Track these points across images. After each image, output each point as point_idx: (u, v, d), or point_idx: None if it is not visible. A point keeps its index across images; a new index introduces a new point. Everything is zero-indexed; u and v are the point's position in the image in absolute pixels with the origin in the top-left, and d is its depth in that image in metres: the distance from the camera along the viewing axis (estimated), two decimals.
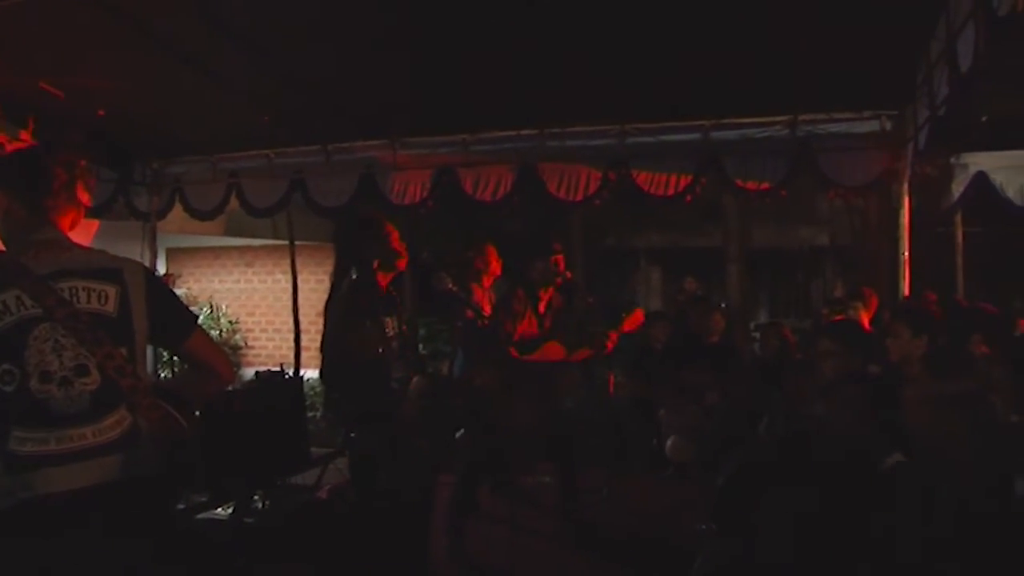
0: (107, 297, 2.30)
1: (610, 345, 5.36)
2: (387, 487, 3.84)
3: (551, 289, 5.34)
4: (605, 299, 9.77)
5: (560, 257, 5.32)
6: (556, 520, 5.43)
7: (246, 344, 12.60)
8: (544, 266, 5.27)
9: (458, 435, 5.29)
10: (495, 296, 5.53)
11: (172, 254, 12.47)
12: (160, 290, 2.51)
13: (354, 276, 3.94)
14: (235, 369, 2.84)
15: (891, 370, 3.87)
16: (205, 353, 2.57)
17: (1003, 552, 2.38)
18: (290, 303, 9.18)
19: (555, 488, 5.47)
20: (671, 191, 6.35)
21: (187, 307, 2.59)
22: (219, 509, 5.29)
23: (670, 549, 4.51)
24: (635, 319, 5.50)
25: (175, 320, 2.50)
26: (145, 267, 2.53)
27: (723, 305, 8.71)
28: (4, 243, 2.39)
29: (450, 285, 4.33)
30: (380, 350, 3.86)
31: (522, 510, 5.33)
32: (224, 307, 12.59)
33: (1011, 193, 6.06)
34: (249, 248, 12.62)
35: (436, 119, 6.26)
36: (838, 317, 6.24)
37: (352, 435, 3.99)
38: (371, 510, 3.93)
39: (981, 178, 6.14)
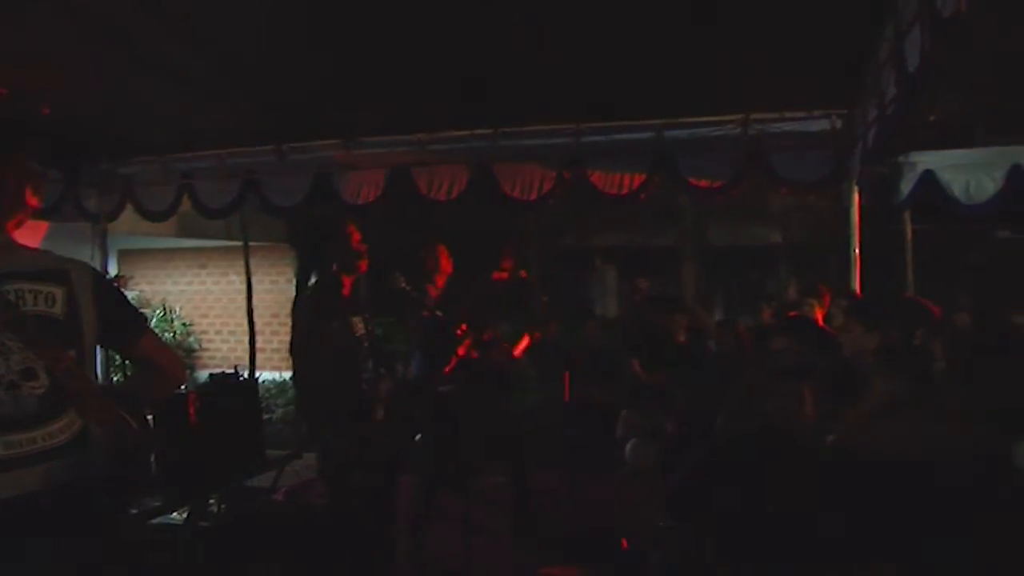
0: (54, 299, 2.26)
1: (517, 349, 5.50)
2: (358, 487, 3.85)
3: (501, 286, 5.50)
4: (561, 298, 9.82)
5: (508, 259, 5.43)
6: (511, 520, 5.45)
7: (200, 346, 12.45)
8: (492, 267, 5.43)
9: (417, 437, 5.28)
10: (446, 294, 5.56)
11: (124, 256, 12.28)
12: (109, 291, 2.48)
13: (315, 279, 3.96)
14: (187, 371, 2.81)
15: (845, 364, 3.94)
16: (156, 354, 2.54)
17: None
18: (244, 304, 9.10)
19: (510, 488, 5.50)
20: (625, 190, 6.38)
21: (137, 308, 2.56)
22: (174, 513, 5.25)
23: (627, 547, 4.52)
24: (521, 346, 5.58)
25: (125, 321, 2.47)
26: (93, 268, 2.50)
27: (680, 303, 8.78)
28: None
29: (403, 284, 4.37)
30: (349, 350, 3.89)
31: (477, 510, 5.34)
32: (178, 309, 12.43)
33: (957, 192, 6.16)
34: (202, 249, 12.46)
35: (391, 119, 6.22)
36: (792, 313, 6.33)
37: (324, 436, 4.01)
38: (335, 511, 3.95)
39: (929, 176, 6.24)
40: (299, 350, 3.93)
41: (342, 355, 3.90)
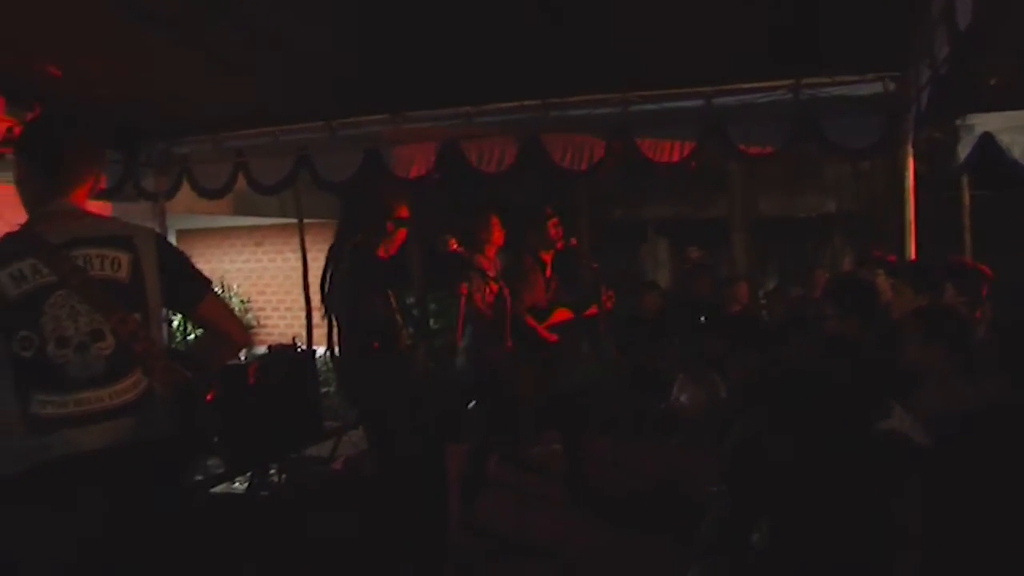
0: (120, 264, 2.36)
1: (608, 302, 5.52)
2: (407, 455, 3.92)
3: (552, 253, 5.48)
4: (613, 271, 9.81)
5: (555, 220, 5.45)
6: (564, 487, 5.51)
7: (258, 323, 12.71)
8: (540, 231, 5.42)
9: (470, 407, 5.37)
10: (500, 265, 5.60)
11: (182, 235, 12.56)
12: (172, 255, 2.56)
13: (350, 250, 4.00)
14: (249, 333, 2.88)
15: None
16: (218, 317, 2.62)
17: None
18: (300, 281, 9.25)
19: (562, 456, 5.56)
20: (676, 158, 6.31)
21: (200, 272, 2.63)
22: (235, 482, 5.40)
23: (677, 512, 4.56)
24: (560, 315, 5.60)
25: (187, 284, 2.55)
26: (157, 233, 2.59)
27: (727, 275, 8.75)
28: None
29: (454, 246, 4.41)
30: (385, 322, 3.96)
31: (530, 478, 5.41)
32: (235, 287, 12.70)
33: (1018, 154, 6.00)
34: (258, 228, 12.70)
35: (439, 92, 6.25)
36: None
37: (368, 408, 4.08)
38: (389, 480, 4.02)
39: (987, 139, 6.08)
40: (343, 321, 4.00)
41: (381, 327, 3.95)
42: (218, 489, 5.32)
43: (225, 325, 2.64)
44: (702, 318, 7.11)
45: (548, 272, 5.47)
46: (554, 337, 5.36)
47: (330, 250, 4.10)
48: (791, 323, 5.76)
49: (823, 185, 12.04)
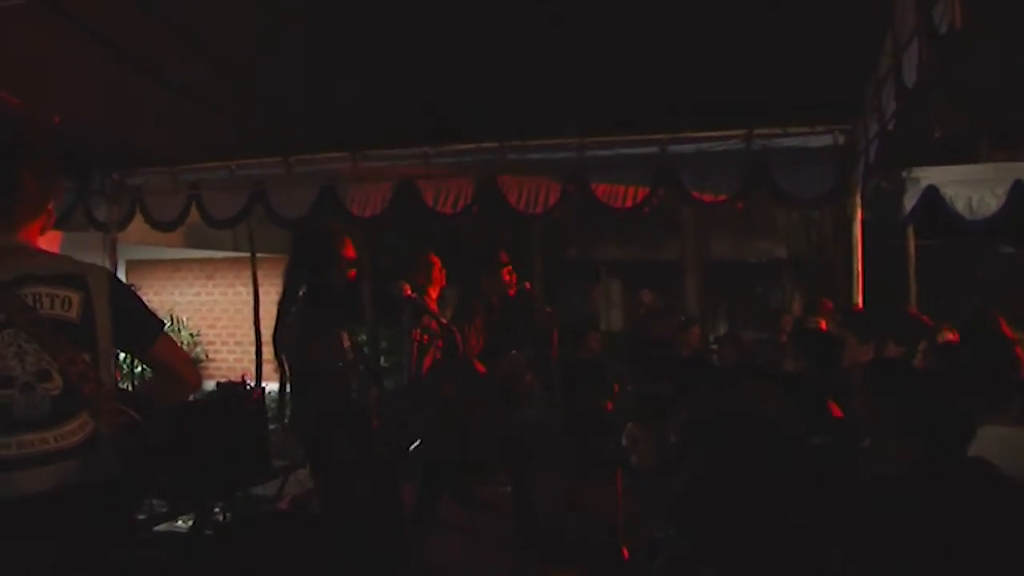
0: (70, 303, 2.30)
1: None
2: (357, 495, 3.88)
3: (502, 299, 5.47)
4: (566, 311, 9.86)
5: (508, 268, 5.43)
6: (513, 528, 5.48)
7: (207, 357, 12.53)
8: (493, 277, 5.39)
9: (414, 446, 5.32)
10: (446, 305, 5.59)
11: (132, 266, 12.38)
12: (125, 295, 2.51)
13: (304, 290, 3.98)
14: (201, 374, 2.83)
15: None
16: (171, 359, 2.57)
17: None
18: (251, 316, 9.17)
19: (511, 496, 5.53)
20: (629, 203, 6.43)
21: (153, 313, 2.57)
22: (179, 520, 5.29)
23: (627, 556, 4.55)
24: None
25: (140, 326, 2.50)
26: (111, 273, 2.54)
27: (682, 318, 8.83)
28: None
29: (409, 292, 4.38)
30: (338, 362, 3.93)
31: (479, 518, 5.37)
32: (185, 320, 12.52)
33: (960, 207, 6.21)
34: (210, 260, 12.57)
35: (397, 132, 6.28)
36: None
37: (320, 447, 4.03)
38: (335, 520, 3.98)
39: (932, 192, 6.28)
40: (295, 361, 3.96)
41: (331, 367, 3.92)
42: (161, 528, 5.21)
43: (177, 367, 2.59)
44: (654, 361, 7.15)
45: (495, 316, 5.46)
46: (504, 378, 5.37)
47: (282, 294, 4.05)
48: (744, 367, 5.82)
49: (774, 230, 12.26)
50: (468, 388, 5.05)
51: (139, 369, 9.02)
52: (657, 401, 6.67)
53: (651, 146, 6.35)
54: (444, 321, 4.61)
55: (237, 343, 12.57)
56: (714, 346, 8.47)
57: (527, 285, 5.63)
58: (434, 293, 5.25)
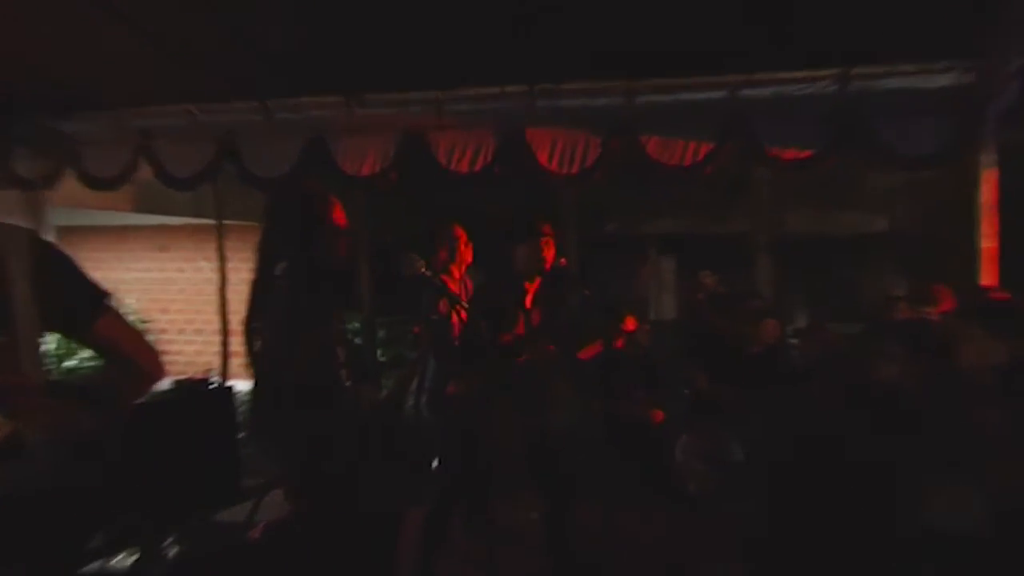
0: None
1: (621, 341, 5.46)
2: (347, 518, 3.86)
3: (538, 279, 5.42)
4: (607, 297, 9.78)
5: (549, 240, 5.38)
6: (543, 563, 5.46)
7: (160, 349, 12.56)
8: (529, 252, 5.35)
9: (435, 464, 5.32)
10: (470, 287, 5.56)
11: (64, 233, 12.31)
12: (55, 261, 2.45)
13: (283, 267, 3.94)
14: (162, 361, 2.76)
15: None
16: (122, 340, 2.50)
17: None
18: (216, 298, 9.15)
19: (542, 524, 5.51)
20: (688, 161, 6.40)
21: (93, 281, 2.51)
22: (118, 556, 5.27)
23: None
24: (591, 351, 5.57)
25: (78, 298, 2.45)
26: (31, 233, 2.45)
27: (753, 306, 8.74)
28: None
29: (423, 269, 4.34)
30: (323, 359, 3.92)
31: (502, 550, 5.36)
32: (132, 302, 12.53)
33: None
34: (165, 228, 12.60)
35: (403, 72, 6.25)
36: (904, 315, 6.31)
37: (303, 463, 4.01)
38: (323, 548, 3.95)
39: None
40: (265, 357, 3.94)
41: (316, 365, 3.89)
42: (92, 568, 5.18)
43: (130, 350, 2.53)
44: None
45: (528, 302, 5.42)
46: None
47: (259, 266, 4.01)
48: (832, 368, 5.77)
49: (870, 197, 12.12)
50: (489, 387, 5.04)
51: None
52: (720, 409, 6.66)
53: (718, 90, 6.30)
54: (465, 308, 4.58)
55: (198, 332, 12.60)
56: (793, 341, 8.39)
57: (562, 261, 5.58)
58: (457, 273, 5.24)
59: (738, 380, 6.60)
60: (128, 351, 2.51)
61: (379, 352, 9.81)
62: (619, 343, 5.61)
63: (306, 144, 6.83)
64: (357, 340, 9.46)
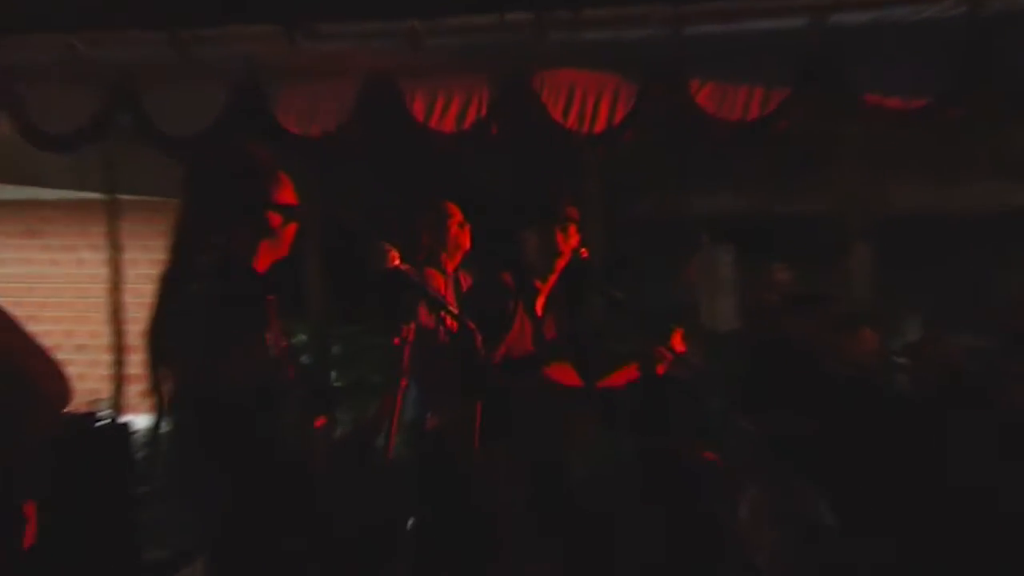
0: None
1: (662, 367, 5.47)
2: None
3: (553, 277, 5.48)
4: (644, 302, 9.82)
5: (572, 226, 5.45)
6: None
7: None
8: (542, 240, 5.41)
9: (410, 524, 5.35)
10: (464, 286, 5.60)
11: None
12: None
13: (209, 259, 3.95)
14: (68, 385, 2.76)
15: None
16: (12, 356, 2.55)
17: None
18: (107, 302, 9.17)
19: None
20: (753, 113, 6.45)
21: None
22: None
23: None
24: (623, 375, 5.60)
25: None
26: None
27: (844, 312, 8.78)
28: None
29: (398, 263, 4.36)
30: (261, 379, 3.90)
31: None
32: None
33: None
34: (34, 204, 12.61)
35: None
36: None
37: (232, 528, 4.05)
38: None
39: None
40: (176, 384, 3.95)
41: (249, 394, 3.91)
42: None
43: (26, 369, 2.58)
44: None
45: (540, 306, 5.48)
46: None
47: (169, 264, 4.03)
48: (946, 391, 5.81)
49: (1011, 164, 12.15)
50: (486, 422, 5.02)
51: None
52: (799, 450, 6.69)
53: (794, 16, 6.33)
54: (453, 308, 4.60)
55: (79, 348, 12.60)
56: (900, 359, 8.43)
57: (583, 253, 5.60)
58: (450, 265, 5.24)
59: (824, 413, 6.63)
60: (23, 370, 2.56)
61: (334, 375, 9.79)
62: (661, 364, 5.58)
63: (231, 91, 6.86)
64: (305, 359, 9.46)
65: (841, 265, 12.09)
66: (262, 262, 4.04)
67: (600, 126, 6.56)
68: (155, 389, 3.86)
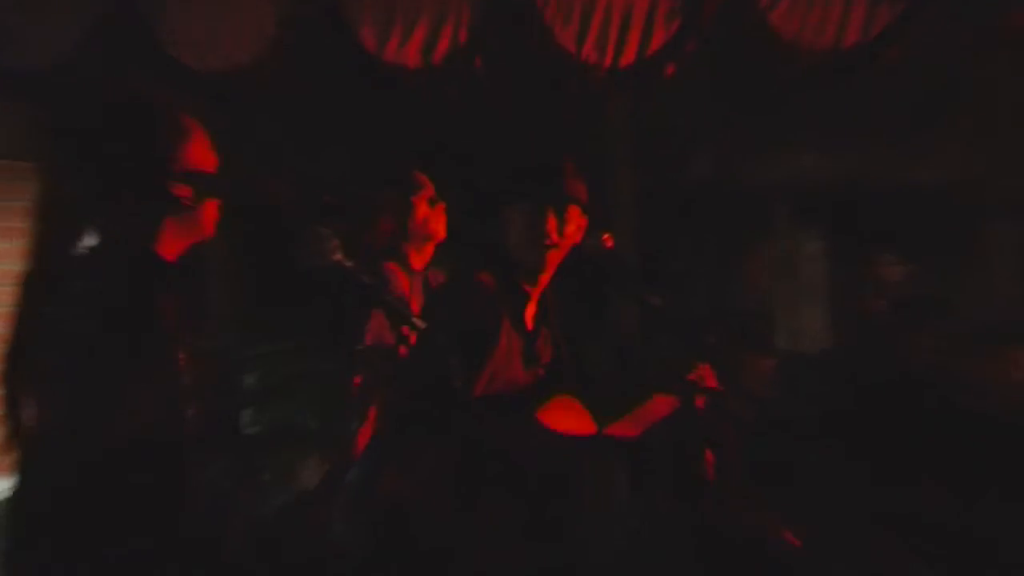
0: None
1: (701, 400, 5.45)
2: None
3: (545, 276, 5.46)
4: (690, 309, 9.78)
5: (573, 207, 5.33)
6: None
7: None
8: (532, 221, 5.30)
9: None
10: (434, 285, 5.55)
11: None
12: None
13: (94, 243, 3.87)
14: None
15: None
16: None
17: None
18: None
19: None
20: (850, 39, 6.52)
21: None
22: None
23: None
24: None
25: None
26: None
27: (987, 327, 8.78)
28: None
29: (338, 256, 4.33)
30: (163, 408, 3.85)
31: None
32: None
33: None
34: None
35: None
36: None
37: None
38: None
39: None
40: (44, 427, 3.85)
41: (143, 440, 3.81)
42: None
43: None
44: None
45: (530, 315, 5.44)
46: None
47: (35, 252, 3.94)
48: None
49: None
50: (463, 478, 5.02)
51: None
52: (926, 528, 6.60)
53: None
54: (420, 330, 4.54)
55: None
56: None
57: (606, 239, 5.52)
58: (418, 259, 5.22)
59: (960, 470, 6.54)
60: None
61: (249, 415, 9.76)
62: (701, 398, 5.52)
63: (103, 8, 6.77)
64: (212, 389, 9.41)
65: (978, 259, 12.06)
66: (168, 248, 4.01)
67: (629, 57, 6.47)
68: (14, 434, 3.83)
